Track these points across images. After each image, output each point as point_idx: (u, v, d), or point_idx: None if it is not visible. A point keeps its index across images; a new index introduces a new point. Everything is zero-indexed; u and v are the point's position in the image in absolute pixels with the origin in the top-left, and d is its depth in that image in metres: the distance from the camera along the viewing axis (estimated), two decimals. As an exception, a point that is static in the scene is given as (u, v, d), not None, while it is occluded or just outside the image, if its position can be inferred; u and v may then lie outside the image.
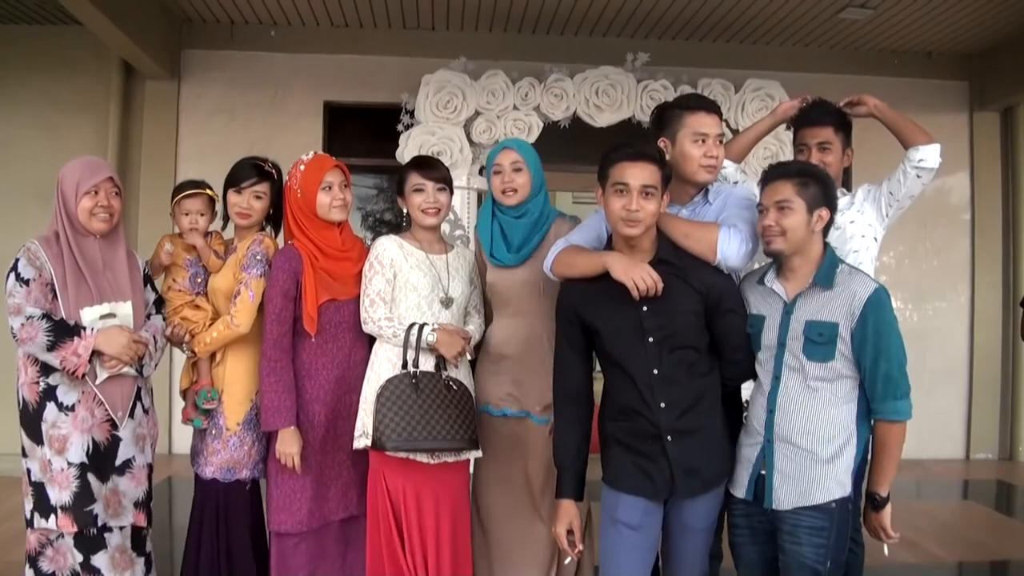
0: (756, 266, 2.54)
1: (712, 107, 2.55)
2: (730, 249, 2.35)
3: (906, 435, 2.27)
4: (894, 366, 2.20)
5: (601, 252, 2.42)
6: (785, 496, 2.25)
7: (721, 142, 2.54)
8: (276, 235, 2.95)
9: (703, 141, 2.49)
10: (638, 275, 2.25)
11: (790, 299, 2.29)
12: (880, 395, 2.21)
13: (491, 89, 5.52)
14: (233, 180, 2.83)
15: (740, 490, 2.35)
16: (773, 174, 2.32)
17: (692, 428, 2.29)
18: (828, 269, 2.27)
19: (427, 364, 2.66)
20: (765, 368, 2.33)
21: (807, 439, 2.23)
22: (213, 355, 2.82)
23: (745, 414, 2.45)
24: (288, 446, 2.67)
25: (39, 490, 2.54)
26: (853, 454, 2.25)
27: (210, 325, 2.79)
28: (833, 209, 2.31)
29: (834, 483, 2.22)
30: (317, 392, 2.73)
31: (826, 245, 2.33)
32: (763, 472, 2.29)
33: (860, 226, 2.84)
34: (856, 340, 2.20)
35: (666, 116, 2.56)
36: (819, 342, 2.22)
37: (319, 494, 2.75)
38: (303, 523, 2.73)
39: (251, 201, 2.82)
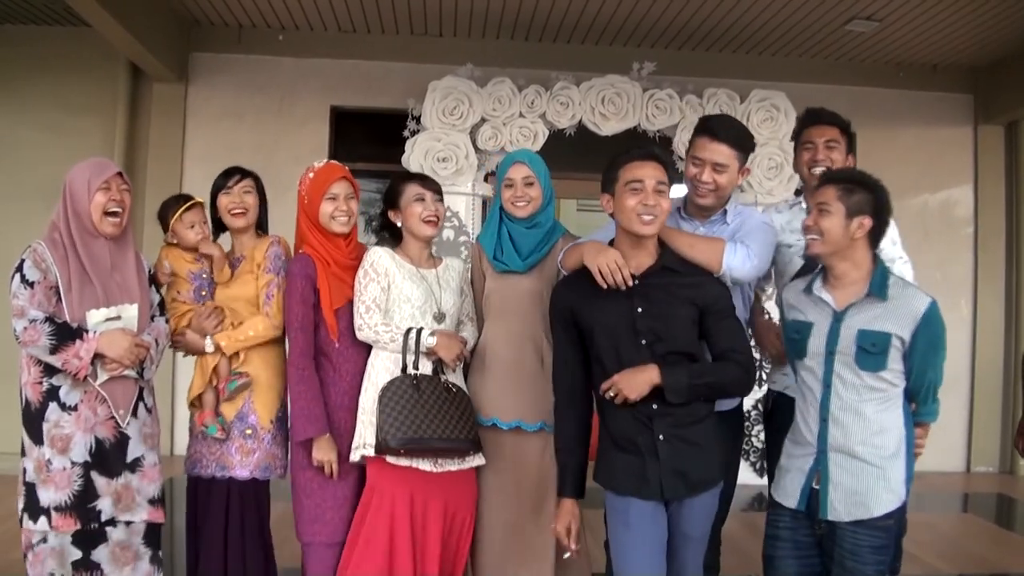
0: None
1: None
2: (735, 260, 2.39)
3: None
4: (939, 375, 2.34)
5: (582, 242, 2.43)
6: (843, 508, 2.27)
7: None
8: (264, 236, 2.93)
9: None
10: (603, 261, 2.29)
11: (840, 308, 2.31)
12: (922, 399, 2.36)
13: (497, 96, 5.55)
14: (219, 185, 2.87)
15: (791, 500, 2.35)
16: (824, 179, 2.38)
17: (683, 432, 2.29)
18: (881, 280, 2.30)
19: (425, 369, 2.64)
20: (815, 375, 2.35)
21: (864, 448, 2.26)
22: (233, 357, 2.78)
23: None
24: (325, 453, 2.63)
25: (30, 491, 2.54)
26: (904, 462, 2.29)
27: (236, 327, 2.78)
28: (880, 218, 2.30)
29: (891, 494, 2.26)
30: (341, 399, 2.69)
31: (875, 256, 2.35)
32: (815, 487, 2.31)
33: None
34: (910, 350, 2.26)
35: None
36: (872, 352, 2.25)
37: (354, 503, 2.68)
38: (338, 532, 2.67)
39: (243, 196, 2.84)
